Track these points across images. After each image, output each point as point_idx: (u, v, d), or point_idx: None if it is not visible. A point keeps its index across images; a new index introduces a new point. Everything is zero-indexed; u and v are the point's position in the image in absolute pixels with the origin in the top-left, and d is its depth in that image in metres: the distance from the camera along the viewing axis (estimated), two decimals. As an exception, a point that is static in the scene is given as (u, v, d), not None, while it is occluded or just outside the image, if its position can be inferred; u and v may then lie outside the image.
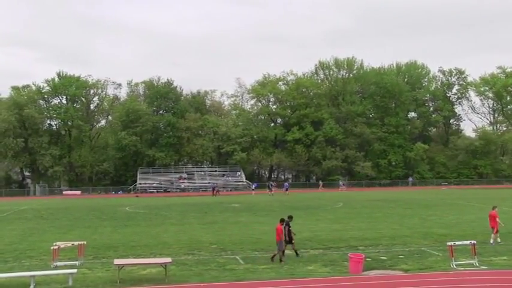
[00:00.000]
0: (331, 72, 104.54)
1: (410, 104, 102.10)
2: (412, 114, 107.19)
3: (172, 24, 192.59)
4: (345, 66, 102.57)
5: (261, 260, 20.36)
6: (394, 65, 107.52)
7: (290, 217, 21.89)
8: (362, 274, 17.56)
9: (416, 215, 37.57)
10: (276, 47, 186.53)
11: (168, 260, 18.01)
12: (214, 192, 73.92)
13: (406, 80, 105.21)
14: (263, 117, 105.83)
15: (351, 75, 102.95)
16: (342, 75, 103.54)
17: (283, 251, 20.36)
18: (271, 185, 76.02)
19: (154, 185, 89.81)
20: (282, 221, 20.96)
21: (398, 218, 35.58)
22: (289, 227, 21.17)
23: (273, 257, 20.15)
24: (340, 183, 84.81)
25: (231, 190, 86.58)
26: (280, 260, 19.83)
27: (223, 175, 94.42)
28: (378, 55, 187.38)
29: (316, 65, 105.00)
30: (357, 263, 17.88)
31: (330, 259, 20.24)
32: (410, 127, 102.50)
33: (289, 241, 20.89)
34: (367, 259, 19.12)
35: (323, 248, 22.75)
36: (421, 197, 57.94)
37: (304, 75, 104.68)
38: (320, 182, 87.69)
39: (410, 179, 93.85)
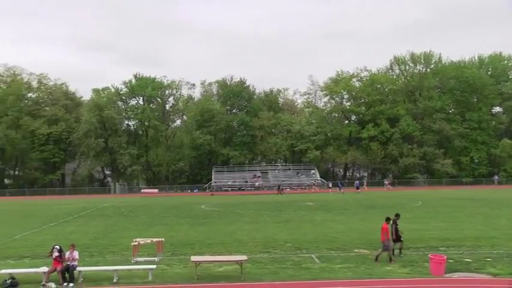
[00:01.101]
0: (407, 67, 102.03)
1: (495, 98, 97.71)
2: (497, 109, 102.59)
3: (242, 24, 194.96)
4: (422, 60, 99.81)
5: (337, 259, 19.96)
6: (476, 58, 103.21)
7: (397, 215, 21.16)
8: (444, 276, 16.84)
9: (504, 215, 35.47)
10: (348, 43, 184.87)
11: (244, 257, 18.00)
12: (280, 191, 74.08)
13: (489, 73, 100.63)
14: (337, 115, 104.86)
15: (428, 69, 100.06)
16: (419, 70, 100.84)
17: (393, 250, 19.82)
18: (341, 183, 75.45)
19: (229, 183, 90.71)
20: (387, 219, 20.15)
21: (483, 218, 33.85)
22: (397, 225, 20.54)
23: (377, 257, 19.46)
24: (386, 181, 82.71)
25: (305, 188, 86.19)
26: (390, 260, 19.20)
27: (297, 173, 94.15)
28: (455, 48, 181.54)
29: (391, 60, 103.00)
30: (438, 264, 17.14)
31: (409, 260, 19.57)
32: (495, 122, 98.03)
33: (397, 239, 20.29)
34: (450, 260, 18.27)
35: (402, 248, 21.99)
36: (508, 196, 55.18)
37: (378, 71, 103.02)
38: (364, 181, 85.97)
39: (496, 177, 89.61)
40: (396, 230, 20.34)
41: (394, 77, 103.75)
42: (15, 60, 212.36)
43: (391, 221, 20.28)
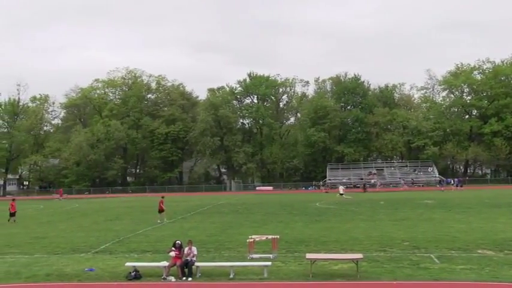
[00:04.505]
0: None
1: None
2: None
3: (354, 19, 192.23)
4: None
5: (458, 259, 18.94)
6: None
7: None
8: None
9: None
10: (466, 34, 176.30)
11: (360, 255, 17.65)
12: (364, 188, 72.80)
13: None
14: (456, 109, 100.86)
15: None
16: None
17: None
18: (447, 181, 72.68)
19: (344, 180, 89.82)
20: None
21: None
22: None
23: None
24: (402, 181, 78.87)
25: (422, 186, 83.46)
26: None
27: (414, 170, 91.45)
28: None
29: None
30: None
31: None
32: None
33: None
34: None
35: None
36: None
37: (502, 62, 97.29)
38: (321, 182, 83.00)
39: None
40: None
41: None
42: (136, 63, 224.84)
43: None
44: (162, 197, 38.12)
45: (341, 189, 55.59)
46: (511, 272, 16.64)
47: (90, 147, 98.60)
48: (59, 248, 23.89)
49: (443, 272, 16.79)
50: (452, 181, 73.47)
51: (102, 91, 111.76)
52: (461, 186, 70.12)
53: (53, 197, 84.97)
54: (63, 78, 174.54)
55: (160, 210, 35.92)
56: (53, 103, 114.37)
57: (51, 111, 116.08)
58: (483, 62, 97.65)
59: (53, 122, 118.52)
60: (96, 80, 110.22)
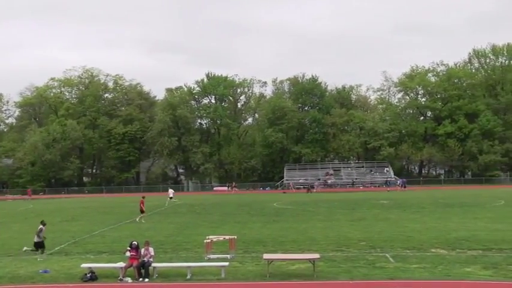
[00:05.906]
0: (488, 60, 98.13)
1: None
2: None
3: (313, 21, 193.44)
4: (504, 52, 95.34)
5: (412, 258, 19.29)
6: None
7: None
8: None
9: None
10: (421, 37, 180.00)
11: (317, 256, 17.76)
12: (309, 189, 73.06)
13: None
14: (411, 111, 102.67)
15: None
16: (501, 62, 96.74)
17: None
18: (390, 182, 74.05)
19: (301, 181, 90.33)
20: None
21: None
22: None
23: None
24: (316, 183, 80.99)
25: (378, 186, 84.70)
26: None
27: (371, 171, 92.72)
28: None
29: (469, 53, 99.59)
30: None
31: (491, 261, 18.55)
32: None
33: None
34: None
35: (482, 249, 20.93)
36: None
37: (456, 65, 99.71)
38: (233, 183, 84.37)
39: None
40: None
41: (473, 70, 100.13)
42: (94, 63, 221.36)
43: None
44: (143, 197, 37.23)
45: (171, 192, 55.38)
46: (462, 270, 17.04)
47: (45, 147, 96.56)
48: (12, 249, 23.33)
49: (398, 271, 17.06)
50: (399, 182, 75.00)
51: (58, 90, 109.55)
52: (404, 186, 71.69)
53: (6, 198, 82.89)
54: (18, 77, 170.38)
55: (141, 211, 35.29)
56: (7, 102, 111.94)
57: (5, 110, 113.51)
58: (437, 64, 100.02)
59: (6, 121, 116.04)
60: (52, 79, 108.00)
